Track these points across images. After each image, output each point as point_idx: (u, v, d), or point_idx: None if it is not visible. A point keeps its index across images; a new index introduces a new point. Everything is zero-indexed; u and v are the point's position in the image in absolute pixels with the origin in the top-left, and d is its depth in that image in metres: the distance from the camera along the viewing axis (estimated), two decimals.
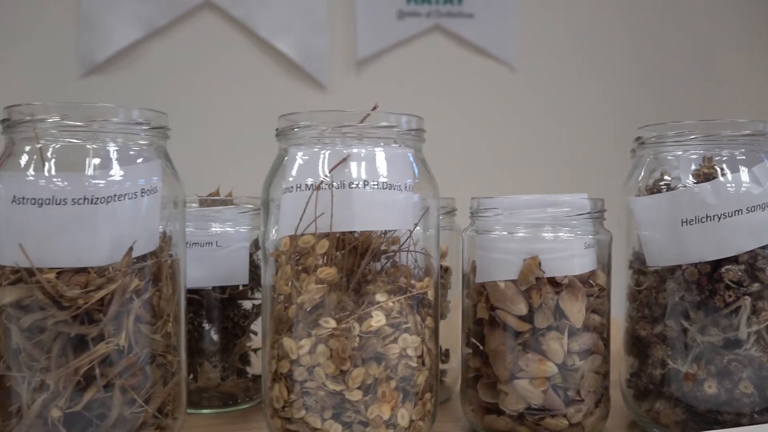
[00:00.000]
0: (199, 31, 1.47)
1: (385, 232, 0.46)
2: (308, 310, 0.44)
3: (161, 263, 0.44)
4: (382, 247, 0.46)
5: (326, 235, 0.44)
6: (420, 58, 1.53)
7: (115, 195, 0.41)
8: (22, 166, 0.42)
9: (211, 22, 1.47)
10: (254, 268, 0.56)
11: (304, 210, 0.44)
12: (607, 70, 1.53)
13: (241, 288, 0.56)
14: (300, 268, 0.45)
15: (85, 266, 0.41)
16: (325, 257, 0.44)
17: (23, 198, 0.40)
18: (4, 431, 0.42)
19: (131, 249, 0.42)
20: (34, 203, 0.40)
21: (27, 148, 0.43)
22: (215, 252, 0.54)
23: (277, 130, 0.47)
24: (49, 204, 0.40)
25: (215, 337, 0.55)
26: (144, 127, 0.43)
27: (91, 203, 0.41)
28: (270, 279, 0.47)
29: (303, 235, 0.44)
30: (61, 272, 0.41)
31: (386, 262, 0.47)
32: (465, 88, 1.52)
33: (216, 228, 0.55)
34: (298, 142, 0.46)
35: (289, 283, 0.44)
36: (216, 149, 1.35)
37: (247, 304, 0.57)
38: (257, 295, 0.57)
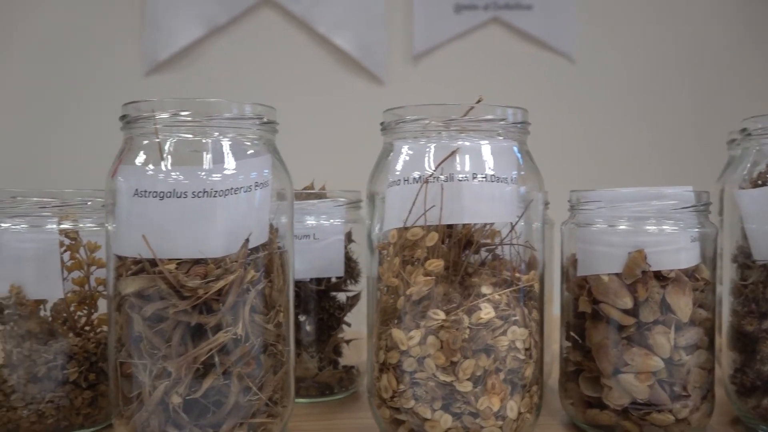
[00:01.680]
0: (259, 28, 1.48)
1: (486, 225, 0.46)
2: (416, 301, 0.44)
3: (273, 255, 0.44)
4: (486, 240, 0.46)
5: (434, 228, 0.44)
6: (477, 52, 1.52)
7: (231, 188, 0.42)
8: (141, 160, 0.43)
9: (270, 18, 1.48)
10: (348, 261, 0.57)
11: (413, 203, 0.44)
12: (672, 61, 1.50)
13: (334, 280, 0.57)
14: (406, 260, 0.45)
15: (204, 257, 0.42)
16: (433, 250, 0.44)
17: (145, 191, 0.42)
18: (124, 415, 0.43)
19: (247, 241, 0.43)
20: (156, 196, 0.42)
21: (145, 143, 0.44)
22: (312, 245, 0.54)
23: (382, 124, 0.47)
24: (170, 197, 0.41)
25: (310, 328, 0.56)
26: (256, 122, 0.44)
27: (210, 196, 0.42)
28: (375, 271, 0.47)
29: (411, 227, 0.44)
30: (179, 263, 0.42)
31: (487, 255, 0.47)
32: (524, 81, 1.50)
33: (311, 221, 0.55)
34: (404, 135, 0.46)
35: (397, 275, 0.45)
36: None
37: (340, 296, 0.58)
38: (351, 287, 0.57)
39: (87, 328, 0.50)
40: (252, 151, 0.45)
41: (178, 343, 0.42)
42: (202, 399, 0.42)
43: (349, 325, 0.58)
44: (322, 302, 0.56)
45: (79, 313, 0.49)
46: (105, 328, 0.50)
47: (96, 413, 0.49)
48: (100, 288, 0.50)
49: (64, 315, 0.49)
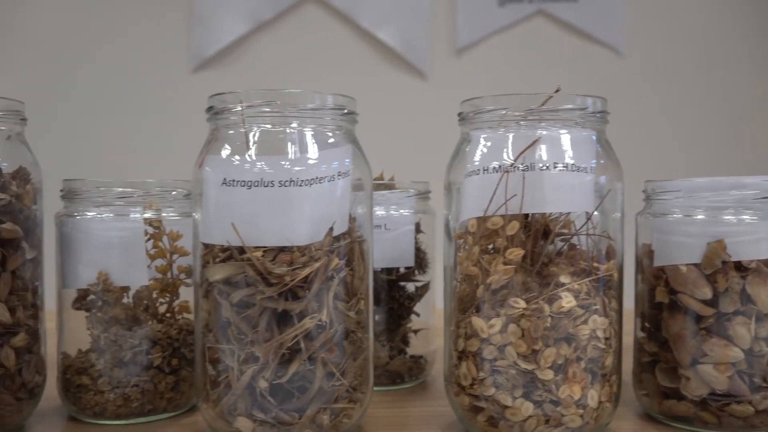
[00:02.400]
0: (303, 24, 1.50)
1: (562, 215, 0.46)
2: (495, 290, 0.45)
3: (354, 244, 0.45)
4: (563, 230, 0.46)
5: (514, 217, 0.44)
6: (522, 45, 1.51)
7: (316, 177, 0.43)
8: (228, 151, 0.44)
9: (315, 14, 1.49)
10: (417, 251, 0.57)
11: (494, 192, 0.44)
12: (723, 53, 1.47)
13: (403, 270, 0.58)
14: (483, 249, 0.45)
15: (290, 245, 0.42)
16: (513, 239, 0.45)
17: (233, 181, 0.43)
18: (210, 399, 0.45)
19: (332, 229, 0.44)
20: (244, 185, 0.43)
21: (230, 134, 0.45)
22: (384, 235, 0.55)
23: (460, 114, 0.48)
24: (257, 186, 0.42)
25: (380, 317, 0.57)
26: (338, 113, 0.45)
27: (296, 185, 0.43)
28: (452, 260, 0.48)
29: (491, 216, 0.44)
30: (264, 251, 0.43)
31: (563, 245, 0.47)
32: (570, 74, 1.49)
33: (381, 211, 0.56)
34: (481, 126, 0.47)
35: (476, 264, 0.45)
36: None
37: (409, 286, 0.58)
38: (420, 277, 0.58)
39: (168, 315, 0.51)
40: (333, 141, 0.45)
41: (265, 328, 0.43)
42: (286, 384, 0.43)
43: (417, 315, 0.58)
44: (392, 292, 0.57)
45: (160, 300, 0.51)
46: (185, 315, 0.51)
47: (178, 398, 0.50)
48: (182, 276, 0.51)
49: (146, 302, 0.50)
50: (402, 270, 0.58)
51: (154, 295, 0.50)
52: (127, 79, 1.40)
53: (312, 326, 0.43)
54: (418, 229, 0.58)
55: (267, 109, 0.44)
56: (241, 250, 0.43)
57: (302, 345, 0.43)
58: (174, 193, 0.51)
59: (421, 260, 0.58)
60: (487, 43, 1.48)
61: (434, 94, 1.39)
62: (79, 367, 0.49)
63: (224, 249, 0.44)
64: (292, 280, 0.42)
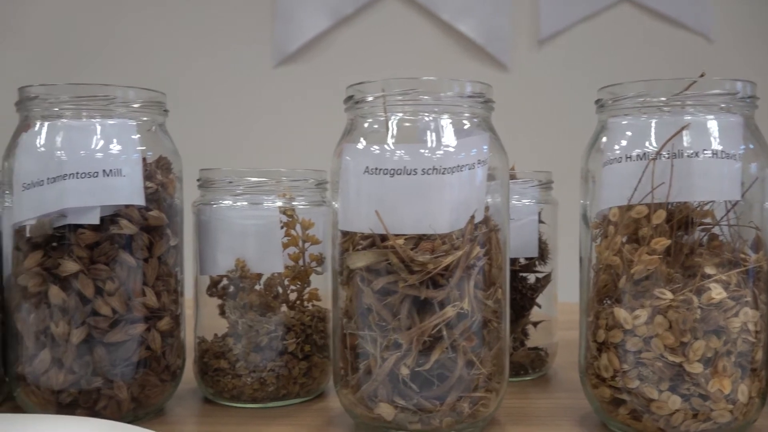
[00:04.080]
0: (384, 18, 1.50)
1: (706, 203, 0.44)
2: (637, 280, 0.44)
3: (492, 232, 0.45)
4: (706, 219, 0.45)
5: (659, 206, 0.43)
6: (606, 33, 1.47)
7: (458, 165, 0.43)
8: (367, 139, 0.45)
9: (395, 7, 1.49)
10: (539, 242, 0.57)
11: (639, 180, 0.43)
12: None
13: (523, 261, 0.57)
14: (627, 238, 0.44)
15: (432, 233, 0.43)
16: (657, 228, 0.43)
17: (376, 169, 0.43)
18: (349, 385, 0.45)
19: (473, 217, 0.43)
20: (386, 173, 0.43)
21: (368, 123, 0.45)
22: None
23: (598, 101, 0.47)
24: (400, 174, 0.43)
25: None
26: (477, 100, 0.45)
27: (439, 173, 0.43)
28: (589, 250, 0.47)
29: (636, 205, 0.43)
30: (405, 239, 0.43)
31: (704, 234, 0.45)
32: (657, 62, 1.44)
33: None
34: (620, 113, 0.46)
35: (617, 254, 0.44)
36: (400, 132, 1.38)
37: (530, 277, 0.58)
38: (541, 268, 0.57)
39: (298, 302, 0.52)
40: (470, 128, 0.45)
41: (406, 315, 0.43)
42: (426, 372, 0.43)
43: (539, 306, 0.58)
44: (514, 282, 0.56)
45: (291, 287, 0.52)
46: (315, 302, 0.52)
47: (310, 383, 0.51)
48: (313, 264, 0.52)
49: (277, 289, 0.51)
50: (523, 261, 0.57)
51: (286, 282, 0.51)
52: (213, 75, 1.43)
53: (453, 315, 0.43)
54: (539, 219, 0.57)
55: (410, 98, 0.44)
56: (383, 237, 0.43)
57: (444, 333, 0.43)
58: (304, 181, 0.52)
59: (542, 251, 0.57)
60: (570, 33, 1.45)
61: (516, 86, 1.37)
62: (217, 351, 0.50)
63: (365, 236, 0.44)
64: (435, 268, 0.42)
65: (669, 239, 0.43)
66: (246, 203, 0.51)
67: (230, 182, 0.51)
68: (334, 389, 0.47)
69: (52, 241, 0.45)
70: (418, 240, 0.43)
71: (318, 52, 1.48)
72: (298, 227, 0.51)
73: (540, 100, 1.39)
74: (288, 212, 0.50)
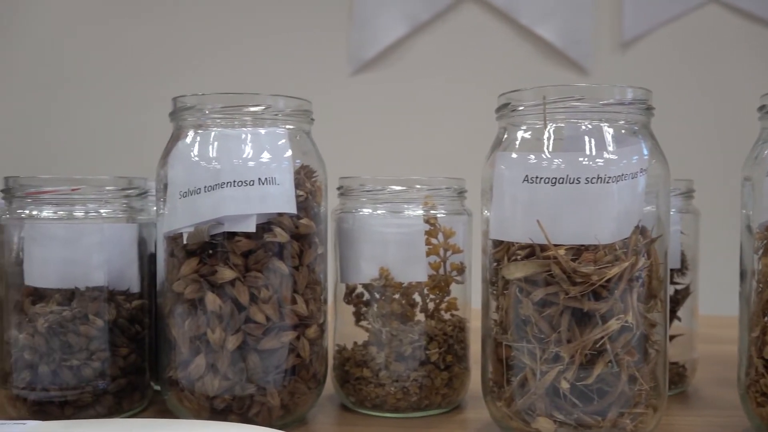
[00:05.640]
0: (461, 23, 1.49)
1: None
2: None
3: (652, 243, 0.43)
4: None
5: None
6: (693, 36, 1.42)
7: (621, 174, 0.42)
8: (524, 148, 0.44)
9: (473, 12, 1.48)
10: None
11: None
12: None
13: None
14: None
15: (597, 244, 0.41)
16: None
17: (536, 178, 0.42)
18: (503, 398, 0.44)
19: (638, 227, 0.42)
20: (548, 182, 0.42)
21: (522, 130, 0.45)
22: None
23: (762, 108, 0.45)
24: (562, 183, 0.42)
25: None
26: (638, 107, 0.43)
27: (604, 182, 0.41)
28: (753, 262, 0.45)
29: None
30: (565, 249, 0.42)
31: None
32: (748, 66, 1.39)
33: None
34: None
35: None
36: (481, 137, 1.37)
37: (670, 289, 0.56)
38: (680, 279, 0.56)
39: (437, 312, 0.51)
40: (629, 135, 0.44)
41: (566, 328, 0.42)
42: (584, 386, 0.42)
43: (679, 319, 0.56)
44: None
45: (431, 296, 0.51)
46: (454, 312, 0.52)
47: (451, 394, 0.51)
48: (453, 273, 0.51)
49: (413, 298, 0.51)
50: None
51: (425, 291, 0.51)
52: (289, 83, 1.45)
53: (617, 328, 0.42)
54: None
55: (572, 105, 0.43)
56: (543, 247, 0.42)
57: (608, 346, 0.42)
58: (446, 189, 0.51)
59: (682, 262, 0.55)
60: (654, 36, 1.41)
61: (597, 91, 1.34)
62: (359, 359, 0.50)
63: (523, 246, 0.43)
64: (599, 280, 0.41)
65: None
66: (386, 211, 0.51)
67: (369, 190, 0.51)
68: (483, 400, 0.47)
69: (208, 248, 0.46)
70: (577, 250, 0.42)
71: (395, 58, 1.48)
72: (440, 236, 0.50)
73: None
74: (431, 221, 0.50)
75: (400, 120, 1.42)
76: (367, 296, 0.52)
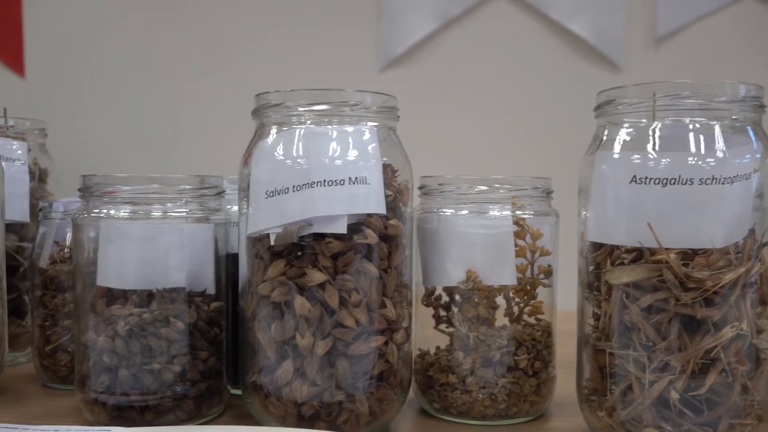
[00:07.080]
0: (491, 19, 1.47)
1: None
2: None
3: (764, 247, 0.42)
4: None
5: None
6: (729, 31, 1.40)
7: (735, 175, 0.40)
8: (628, 147, 0.42)
9: (503, 8, 1.46)
10: None
11: None
12: None
13: None
14: None
15: (705, 248, 0.40)
16: None
17: (645, 178, 0.41)
18: (605, 406, 0.43)
19: (753, 230, 0.40)
20: (658, 183, 0.40)
21: (624, 128, 0.43)
22: None
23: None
24: (674, 184, 0.40)
25: None
26: (752, 104, 0.42)
27: (719, 183, 0.40)
28: None
29: None
30: (675, 253, 0.40)
31: None
32: None
33: None
34: None
35: None
36: (511, 134, 1.35)
37: None
38: None
39: (522, 316, 0.50)
40: (740, 134, 0.42)
41: (677, 336, 0.40)
42: (692, 396, 0.41)
43: None
44: None
45: (516, 299, 0.49)
46: (539, 316, 0.50)
47: (539, 401, 0.49)
48: (541, 276, 0.50)
49: (495, 301, 0.49)
50: None
51: (511, 295, 0.49)
52: (317, 79, 1.43)
53: (732, 336, 0.40)
54: None
55: (682, 102, 0.41)
56: (652, 251, 0.40)
57: (722, 355, 0.40)
58: (534, 189, 0.49)
59: None
60: (689, 31, 1.39)
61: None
62: (444, 365, 0.49)
63: (629, 250, 0.41)
64: (714, 285, 0.39)
65: None
66: (469, 212, 0.49)
67: (453, 190, 0.49)
68: (568, 408, 0.45)
69: (295, 250, 0.44)
70: (685, 255, 0.40)
71: (424, 55, 1.46)
72: (528, 237, 0.49)
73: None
74: (519, 222, 0.48)
75: (430, 116, 1.40)
76: (445, 299, 0.51)
